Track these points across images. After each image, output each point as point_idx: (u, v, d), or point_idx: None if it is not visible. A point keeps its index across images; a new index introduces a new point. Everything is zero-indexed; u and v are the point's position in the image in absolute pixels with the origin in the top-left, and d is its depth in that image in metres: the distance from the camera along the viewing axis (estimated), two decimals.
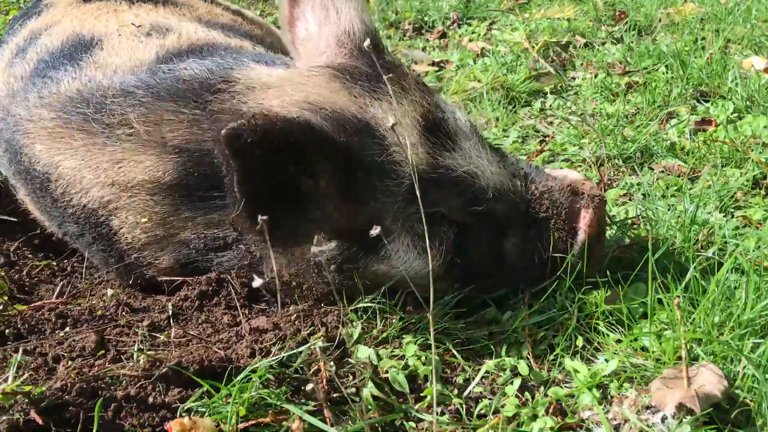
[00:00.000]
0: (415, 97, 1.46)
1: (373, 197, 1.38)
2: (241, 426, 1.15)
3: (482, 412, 1.30)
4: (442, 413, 1.29)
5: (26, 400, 1.08)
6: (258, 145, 1.19)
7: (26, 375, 1.18)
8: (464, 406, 1.31)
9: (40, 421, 1.03)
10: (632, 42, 3.49)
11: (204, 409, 1.18)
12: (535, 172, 1.55)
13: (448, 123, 1.47)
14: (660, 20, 3.81)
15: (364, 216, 1.38)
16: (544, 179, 1.52)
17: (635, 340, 1.40)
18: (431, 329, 1.06)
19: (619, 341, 1.40)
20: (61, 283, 1.62)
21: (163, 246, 1.55)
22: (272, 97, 1.40)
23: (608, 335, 1.42)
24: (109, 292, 1.53)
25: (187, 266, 1.56)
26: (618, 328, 1.45)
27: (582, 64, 3.22)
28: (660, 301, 1.46)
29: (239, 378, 1.21)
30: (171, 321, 1.44)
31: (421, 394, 1.32)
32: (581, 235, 1.48)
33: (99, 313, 1.45)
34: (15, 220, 1.89)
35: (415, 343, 1.39)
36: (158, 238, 1.54)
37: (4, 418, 1.03)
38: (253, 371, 1.22)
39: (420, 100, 1.46)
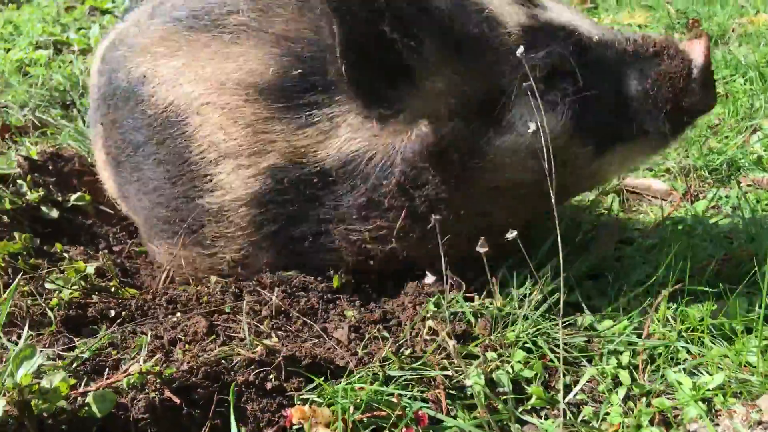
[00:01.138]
0: None
1: (483, 54, 1.37)
2: (357, 417, 1.17)
3: (585, 418, 1.31)
4: (546, 417, 1.30)
5: (158, 380, 1.12)
6: (359, 3, 1.19)
7: (152, 359, 1.22)
8: (567, 413, 1.32)
9: (177, 401, 1.06)
10: None
11: (320, 399, 1.21)
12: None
13: None
14: (733, 30, 3.75)
15: (477, 79, 1.37)
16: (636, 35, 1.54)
17: (741, 354, 1.38)
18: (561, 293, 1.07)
19: (724, 356, 1.39)
20: (167, 271, 1.67)
21: (243, 164, 1.46)
22: None
23: (712, 348, 1.41)
24: (213, 278, 1.57)
25: (268, 210, 1.49)
26: (721, 342, 1.44)
27: None
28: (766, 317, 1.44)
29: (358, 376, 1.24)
30: (273, 312, 1.47)
31: (525, 397, 1.34)
32: (701, 59, 1.44)
33: (205, 299, 1.49)
34: (112, 212, 1.96)
35: (518, 345, 1.41)
36: (240, 151, 1.46)
37: (141, 396, 1.07)
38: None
39: None
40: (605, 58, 1.46)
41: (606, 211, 2.02)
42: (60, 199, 1.92)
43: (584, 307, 1.56)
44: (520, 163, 1.44)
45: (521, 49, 1.25)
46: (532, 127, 1.31)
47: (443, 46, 1.31)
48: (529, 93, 1.31)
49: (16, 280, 1.35)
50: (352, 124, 1.42)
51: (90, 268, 1.52)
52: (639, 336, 1.46)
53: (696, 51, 1.45)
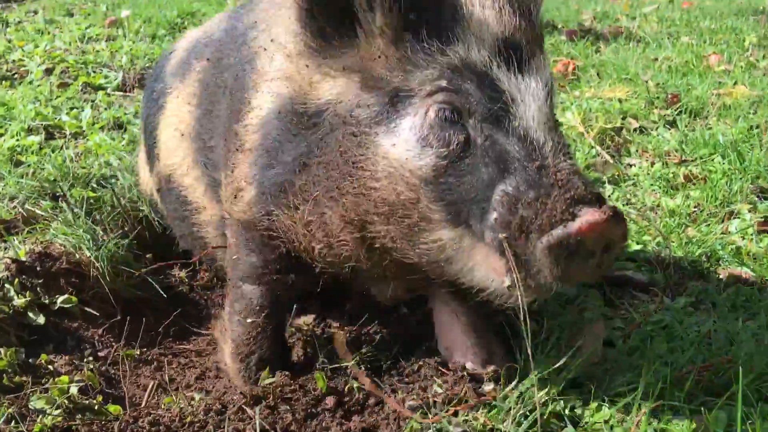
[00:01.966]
0: None
1: (415, 57, 1.33)
2: None
3: None
4: None
5: None
6: None
7: None
8: None
9: None
10: (686, 126, 3.52)
11: None
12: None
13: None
14: (712, 103, 3.85)
15: (392, 66, 1.35)
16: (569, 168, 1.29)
17: None
18: None
19: None
20: (151, 383, 1.68)
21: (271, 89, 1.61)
22: None
23: None
24: (197, 396, 1.57)
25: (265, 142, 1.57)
26: None
27: (637, 151, 3.26)
28: None
29: None
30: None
31: None
32: (574, 226, 1.19)
33: (188, 419, 1.49)
34: (97, 313, 1.98)
35: None
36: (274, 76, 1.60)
37: None
38: None
39: None
40: (504, 145, 1.29)
41: (588, 308, 2.04)
42: (47, 301, 1.93)
43: (567, 421, 1.57)
44: (391, 184, 1.34)
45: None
46: (407, 150, 1.31)
47: (389, 24, 1.33)
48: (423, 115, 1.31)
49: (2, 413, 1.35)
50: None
51: (74, 388, 1.52)
52: None
53: (580, 218, 1.20)
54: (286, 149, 1.53)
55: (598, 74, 4.43)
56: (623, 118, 3.58)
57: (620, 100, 3.83)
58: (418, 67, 1.33)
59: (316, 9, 1.35)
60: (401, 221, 1.35)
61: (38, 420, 1.43)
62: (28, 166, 2.62)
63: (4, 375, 1.56)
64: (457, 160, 1.30)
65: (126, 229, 2.37)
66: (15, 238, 2.14)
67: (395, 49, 1.34)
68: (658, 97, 3.84)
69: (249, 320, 1.70)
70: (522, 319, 1.32)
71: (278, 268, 1.66)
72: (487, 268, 1.31)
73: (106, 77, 3.96)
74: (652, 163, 3.09)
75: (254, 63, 1.65)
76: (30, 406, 1.48)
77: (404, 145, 1.33)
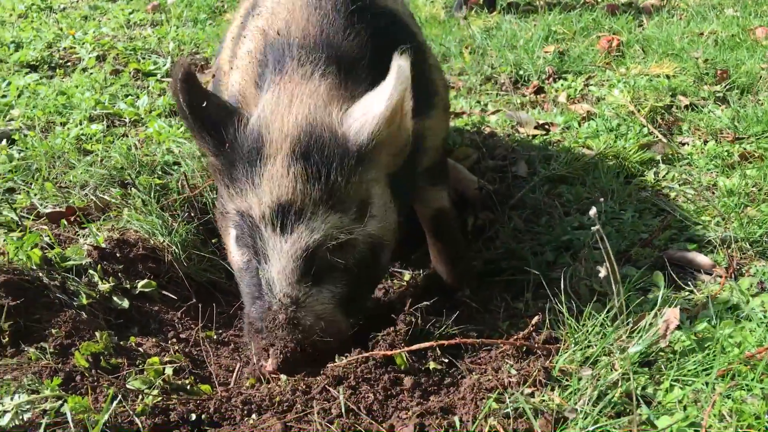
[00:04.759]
0: None
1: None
2: None
3: None
4: None
5: None
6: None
7: None
8: None
9: None
10: (737, 102, 3.48)
11: None
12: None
13: None
14: (762, 78, 3.79)
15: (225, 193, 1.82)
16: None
17: None
18: None
19: None
20: (237, 365, 1.76)
21: None
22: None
23: None
24: (282, 377, 1.65)
25: None
26: None
27: (689, 129, 3.24)
28: None
29: None
30: (342, 411, 1.54)
31: None
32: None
33: (277, 399, 1.57)
34: (175, 297, 2.06)
35: None
36: None
37: None
38: None
39: None
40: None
41: (652, 290, 2.06)
42: (128, 286, 2.02)
43: (640, 400, 1.61)
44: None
45: None
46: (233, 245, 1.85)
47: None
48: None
49: (110, 397, 1.43)
50: None
51: (168, 369, 1.60)
52: None
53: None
54: None
55: (643, 50, 4.38)
56: (673, 96, 3.55)
57: (668, 77, 3.79)
58: (230, 200, 1.75)
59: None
60: None
61: (139, 400, 1.51)
62: (95, 155, 2.70)
63: (102, 357, 1.65)
64: (247, 268, 1.78)
65: (192, 214, 2.46)
66: (93, 225, 2.23)
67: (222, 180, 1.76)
68: (707, 73, 3.79)
69: None
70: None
71: None
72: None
73: (155, 63, 4.03)
74: (705, 141, 3.07)
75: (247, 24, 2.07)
76: (128, 387, 1.57)
77: (231, 242, 1.83)
